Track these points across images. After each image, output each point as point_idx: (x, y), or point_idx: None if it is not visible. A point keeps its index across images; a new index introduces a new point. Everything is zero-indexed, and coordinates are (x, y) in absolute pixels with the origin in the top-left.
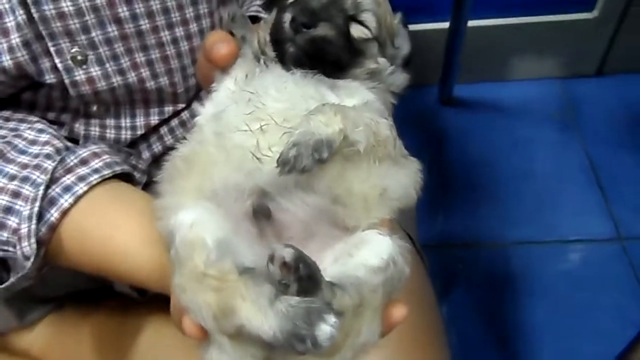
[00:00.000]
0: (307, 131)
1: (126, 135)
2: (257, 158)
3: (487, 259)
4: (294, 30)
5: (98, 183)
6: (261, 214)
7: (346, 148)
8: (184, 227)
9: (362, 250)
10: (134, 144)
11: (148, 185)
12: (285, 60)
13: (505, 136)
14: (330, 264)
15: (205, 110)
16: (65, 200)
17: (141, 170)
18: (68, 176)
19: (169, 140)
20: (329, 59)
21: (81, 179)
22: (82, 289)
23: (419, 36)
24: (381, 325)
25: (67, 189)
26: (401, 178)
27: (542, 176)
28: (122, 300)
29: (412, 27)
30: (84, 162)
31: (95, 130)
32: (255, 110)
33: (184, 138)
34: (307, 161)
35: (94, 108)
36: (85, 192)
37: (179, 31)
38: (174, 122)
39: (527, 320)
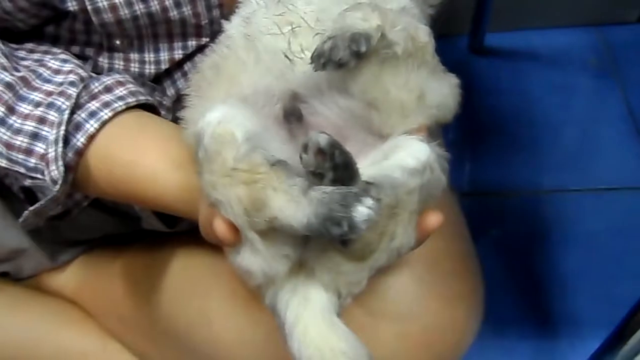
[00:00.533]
0: (343, 26)
1: (150, 69)
2: (289, 59)
3: (521, 207)
4: None
5: (123, 110)
6: (292, 117)
7: (383, 49)
8: (212, 125)
9: (399, 153)
10: (158, 80)
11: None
12: None
13: (540, 85)
14: (365, 167)
15: (234, 20)
16: (91, 126)
17: (165, 107)
18: (93, 102)
19: (191, 74)
20: None
21: (106, 105)
22: (111, 233)
23: None
24: (416, 232)
25: (92, 114)
26: (440, 86)
27: (578, 124)
28: (151, 239)
29: None
30: (108, 89)
31: (119, 64)
32: (286, 12)
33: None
34: (343, 53)
35: (117, 42)
36: (111, 118)
37: None
38: (198, 57)
39: (562, 267)
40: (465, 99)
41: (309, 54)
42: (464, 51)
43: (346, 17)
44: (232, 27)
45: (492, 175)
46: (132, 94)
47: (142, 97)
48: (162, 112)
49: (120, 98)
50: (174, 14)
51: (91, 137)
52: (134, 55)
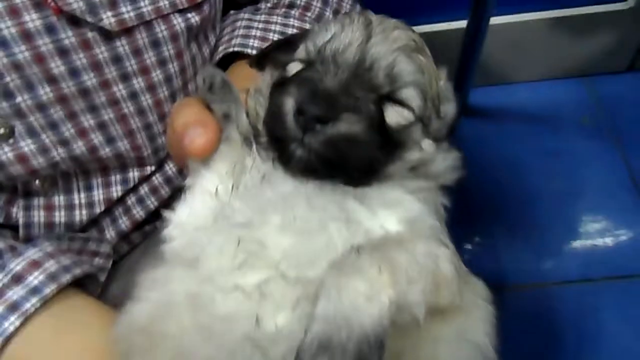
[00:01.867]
0: (338, 313)
1: (81, 215)
2: (259, 347)
3: (519, 303)
4: (301, 127)
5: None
6: None
7: (400, 318)
8: None
9: None
10: (93, 221)
11: (116, 264)
12: (288, 164)
13: (530, 148)
14: None
15: (175, 230)
16: None
17: (105, 254)
18: None
19: (138, 213)
20: (356, 164)
21: (13, 308)
22: None
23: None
24: None
25: None
26: (462, 345)
27: (577, 196)
28: None
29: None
30: (17, 278)
31: (38, 216)
32: (250, 255)
33: (158, 212)
34: None
35: (36, 183)
36: (19, 328)
37: (138, 82)
38: (143, 189)
39: None
40: None
41: (287, 328)
42: None
43: (342, 288)
44: (172, 251)
45: (487, 267)
46: (51, 277)
47: (65, 278)
48: (99, 263)
49: (34, 291)
50: (106, 152)
51: None
52: (59, 200)
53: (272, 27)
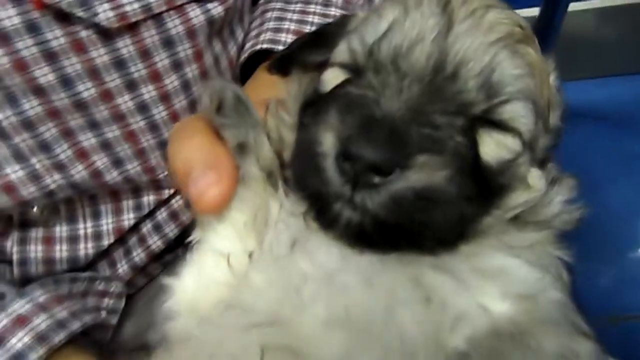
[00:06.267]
0: None
1: (87, 249)
2: None
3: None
4: (350, 180)
5: None
6: None
7: None
8: None
9: None
10: (103, 253)
11: (131, 297)
12: (330, 228)
13: (606, 151)
14: None
15: (179, 305)
16: None
17: (115, 294)
18: None
19: (155, 243)
20: (436, 228)
21: None
22: None
23: None
24: None
25: None
26: None
27: None
28: None
29: None
30: None
31: (35, 250)
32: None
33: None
34: None
35: (34, 211)
36: None
37: (148, 91)
38: (161, 215)
39: None
40: None
41: None
42: None
43: None
44: (179, 328)
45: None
46: (39, 338)
47: (59, 336)
48: (109, 304)
49: (15, 358)
50: (112, 176)
51: None
52: (60, 230)
53: (310, 18)
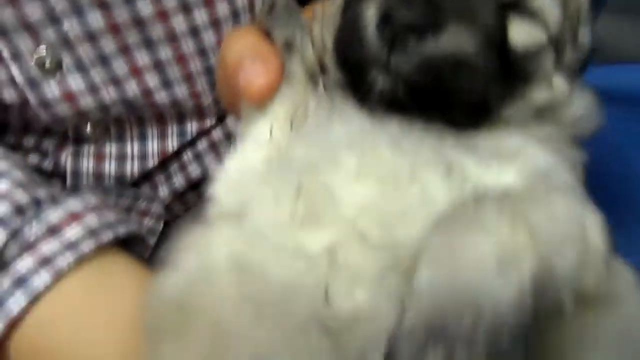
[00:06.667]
0: (455, 286)
1: (133, 168)
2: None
3: None
4: (388, 42)
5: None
6: None
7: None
8: None
9: None
10: (146, 176)
11: (168, 225)
12: (366, 98)
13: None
14: None
15: (221, 187)
16: (15, 303)
17: (156, 215)
18: (26, 258)
19: (194, 170)
20: (463, 98)
21: (45, 262)
22: None
23: None
24: None
25: (19, 283)
26: (620, 349)
27: None
28: None
29: None
30: (53, 230)
31: (87, 165)
32: (316, 207)
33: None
34: None
35: (87, 129)
36: (49, 285)
37: (200, 15)
38: (201, 144)
39: None
40: None
41: (365, 324)
42: None
43: (458, 251)
44: (217, 212)
45: None
46: (90, 233)
47: (107, 236)
48: (149, 224)
49: (70, 246)
50: (161, 97)
51: (14, 323)
52: (110, 148)
53: None
